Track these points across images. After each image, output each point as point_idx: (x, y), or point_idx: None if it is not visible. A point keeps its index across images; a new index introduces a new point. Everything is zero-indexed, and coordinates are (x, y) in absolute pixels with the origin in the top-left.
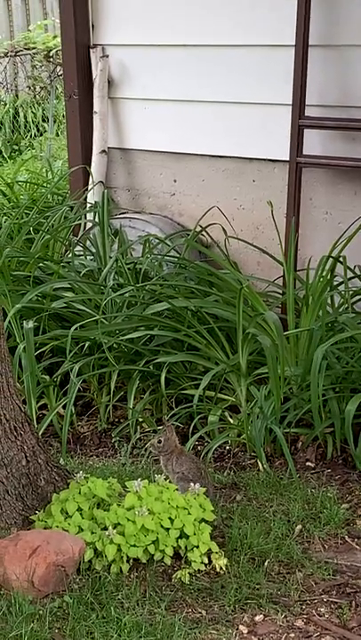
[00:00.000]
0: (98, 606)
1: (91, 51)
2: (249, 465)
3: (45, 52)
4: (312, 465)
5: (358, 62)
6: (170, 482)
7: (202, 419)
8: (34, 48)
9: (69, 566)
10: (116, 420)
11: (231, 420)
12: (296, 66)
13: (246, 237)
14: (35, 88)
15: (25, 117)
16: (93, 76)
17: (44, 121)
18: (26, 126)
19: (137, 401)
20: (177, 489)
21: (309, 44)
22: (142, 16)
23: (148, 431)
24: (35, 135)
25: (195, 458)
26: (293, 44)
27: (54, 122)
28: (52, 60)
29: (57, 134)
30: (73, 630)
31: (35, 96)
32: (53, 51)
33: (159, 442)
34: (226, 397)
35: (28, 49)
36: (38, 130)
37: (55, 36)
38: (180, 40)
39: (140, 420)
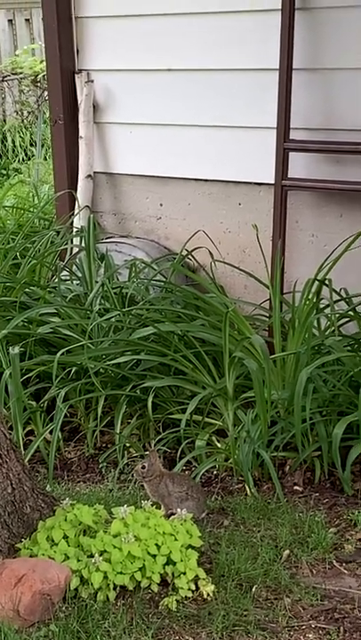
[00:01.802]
0: (84, 635)
1: (76, 76)
2: (237, 489)
3: (33, 77)
4: (300, 489)
5: (342, 85)
6: (157, 507)
7: (189, 443)
8: (21, 73)
9: (55, 595)
10: (104, 445)
11: (219, 445)
12: (280, 89)
13: (233, 261)
14: (22, 113)
15: (13, 142)
16: (79, 101)
17: (31, 145)
18: (14, 151)
19: (124, 426)
20: (166, 514)
21: (294, 67)
22: (127, 41)
23: (136, 456)
24: (23, 159)
25: (186, 475)
26: (278, 67)
27: (42, 146)
28: (39, 84)
29: (45, 158)
30: None
31: (22, 120)
32: (40, 75)
33: (143, 467)
34: (213, 421)
35: (16, 74)
36: (26, 154)
37: (42, 61)
38: (164, 64)
39: (128, 445)
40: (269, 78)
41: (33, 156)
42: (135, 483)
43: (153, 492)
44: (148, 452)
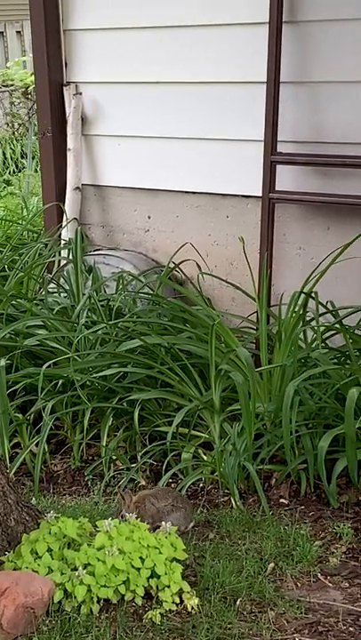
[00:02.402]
0: None
1: (64, 88)
2: (222, 502)
3: (23, 89)
4: (286, 502)
5: (329, 98)
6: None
7: (175, 456)
8: (12, 85)
9: (39, 608)
10: (90, 457)
11: (205, 457)
12: (268, 102)
13: (221, 273)
14: (13, 125)
15: (3, 154)
16: (67, 114)
17: (22, 157)
18: (4, 163)
19: (110, 438)
20: (149, 528)
21: (281, 80)
22: (115, 53)
23: (122, 469)
24: (13, 172)
25: (168, 488)
26: (265, 80)
27: (32, 158)
28: (30, 96)
29: (35, 170)
30: None
31: (13, 133)
32: (31, 87)
33: (122, 516)
34: (199, 434)
35: (7, 86)
36: (17, 166)
37: (33, 73)
38: (152, 77)
39: (114, 457)
40: (258, 91)
41: (24, 168)
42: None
43: (146, 518)
44: (122, 496)
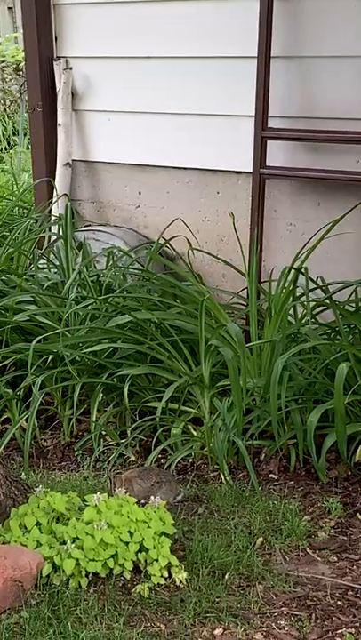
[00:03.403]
0: (55, 621)
1: (54, 63)
2: (212, 477)
3: (15, 66)
4: (275, 477)
5: (321, 73)
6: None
7: (165, 431)
8: (3, 61)
9: (27, 581)
10: (80, 433)
11: (194, 433)
12: (258, 77)
13: (211, 249)
14: (5, 101)
15: None
16: (57, 89)
17: (14, 134)
18: None
19: (100, 414)
20: (138, 501)
21: (272, 55)
22: (106, 28)
23: (112, 444)
24: (5, 148)
25: (149, 467)
26: (256, 55)
27: (25, 135)
28: (21, 73)
29: (27, 147)
30: None
31: (5, 109)
32: (23, 64)
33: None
34: (189, 410)
35: None
36: (9, 143)
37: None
38: (143, 52)
39: (104, 433)
40: (249, 66)
41: (16, 144)
42: (111, 470)
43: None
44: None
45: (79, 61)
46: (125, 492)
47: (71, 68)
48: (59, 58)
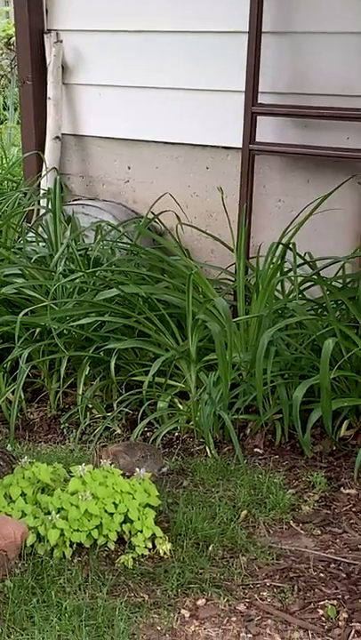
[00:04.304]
0: (39, 590)
1: (44, 36)
2: (197, 451)
3: (6, 40)
4: (260, 451)
5: (311, 49)
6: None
7: (151, 405)
8: None
9: (11, 551)
10: (67, 406)
11: (180, 407)
12: (249, 52)
13: (200, 224)
14: None
15: None
16: (47, 62)
17: (5, 109)
18: None
19: (87, 387)
20: (123, 473)
21: (263, 30)
22: (97, 1)
23: (98, 417)
24: None
25: (131, 442)
26: (247, 30)
27: (15, 110)
28: (12, 47)
29: (17, 122)
30: (13, 615)
31: None
32: (14, 38)
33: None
34: (175, 384)
35: None
36: None
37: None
38: (135, 26)
39: (90, 406)
40: (239, 41)
41: (6, 120)
42: (97, 443)
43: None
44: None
45: (70, 34)
46: (111, 465)
47: (61, 41)
48: (49, 31)
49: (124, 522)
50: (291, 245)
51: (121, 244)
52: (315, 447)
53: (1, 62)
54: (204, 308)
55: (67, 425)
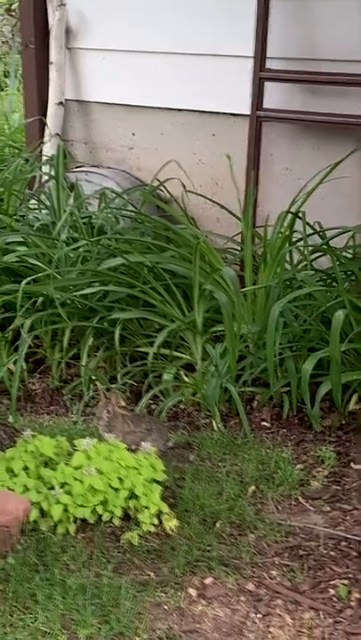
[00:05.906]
0: (42, 568)
1: None
2: (203, 424)
3: (7, 6)
4: (267, 425)
5: (321, 14)
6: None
7: (156, 377)
8: None
9: (14, 526)
10: (69, 377)
11: (186, 379)
12: (258, 17)
13: (206, 193)
14: None
15: None
16: (50, 26)
17: (5, 76)
18: None
19: (90, 358)
20: (128, 448)
21: None
22: None
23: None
24: None
25: (139, 413)
26: None
27: (16, 77)
28: (13, 13)
29: (18, 90)
30: (15, 593)
31: None
32: (15, 4)
33: (109, 413)
34: (181, 355)
35: None
36: (0, 86)
37: None
38: None
39: (94, 377)
40: (247, 5)
41: (7, 87)
42: None
43: (117, 431)
44: (107, 396)
45: None
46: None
47: (65, 5)
48: None
49: (130, 497)
50: (300, 214)
51: (125, 212)
52: (323, 421)
53: (2, 28)
54: (211, 277)
55: (70, 397)
